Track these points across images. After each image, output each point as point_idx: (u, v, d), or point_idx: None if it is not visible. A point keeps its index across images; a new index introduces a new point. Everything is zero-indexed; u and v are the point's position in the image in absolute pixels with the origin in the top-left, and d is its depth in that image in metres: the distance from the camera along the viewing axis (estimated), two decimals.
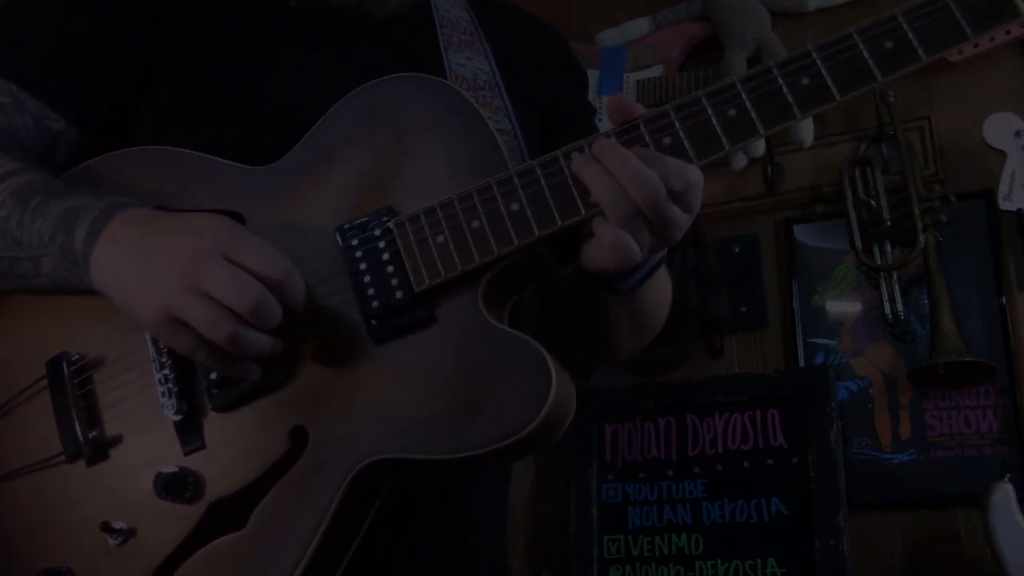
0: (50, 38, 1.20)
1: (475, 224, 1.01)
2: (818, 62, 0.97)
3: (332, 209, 1.07)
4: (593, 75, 2.76)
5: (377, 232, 1.04)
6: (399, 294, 1.02)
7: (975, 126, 2.41)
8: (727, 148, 0.99)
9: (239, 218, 1.08)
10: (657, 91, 2.68)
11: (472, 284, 1.02)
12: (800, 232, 2.57)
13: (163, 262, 0.97)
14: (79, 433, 1.09)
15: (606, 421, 2.57)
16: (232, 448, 1.05)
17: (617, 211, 0.96)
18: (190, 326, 0.96)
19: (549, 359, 0.97)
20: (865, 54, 0.96)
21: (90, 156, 1.18)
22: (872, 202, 2.41)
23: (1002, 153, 2.37)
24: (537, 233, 1.00)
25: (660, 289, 1.18)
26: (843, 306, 2.50)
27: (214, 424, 1.06)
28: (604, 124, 1.52)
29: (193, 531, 1.04)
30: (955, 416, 2.33)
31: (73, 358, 1.11)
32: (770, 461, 2.40)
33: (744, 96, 0.97)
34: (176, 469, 1.04)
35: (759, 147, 2.52)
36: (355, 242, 1.04)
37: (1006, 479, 2.08)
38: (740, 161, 2.59)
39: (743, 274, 2.57)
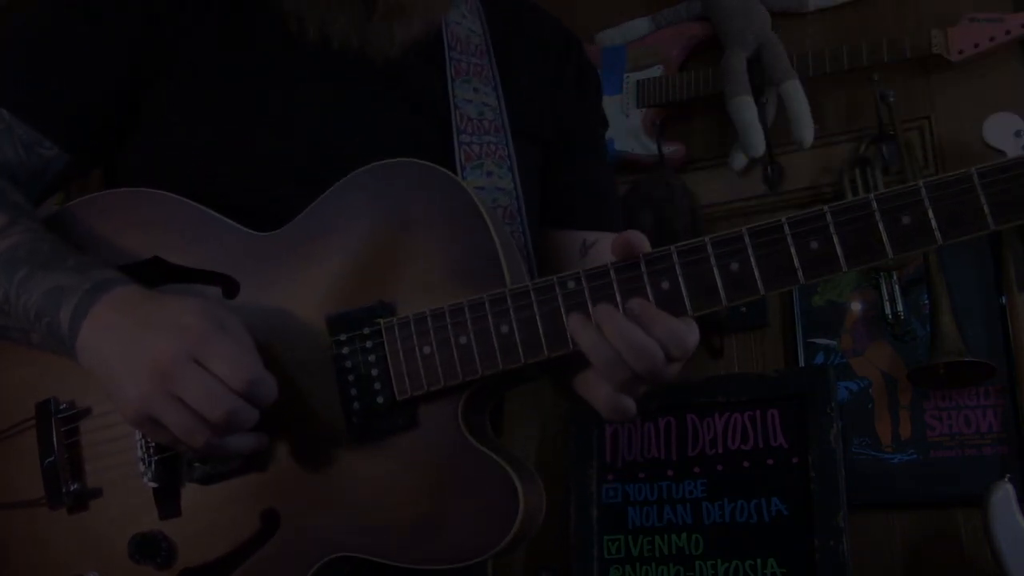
0: (42, 63, 1.18)
1: (463, 340, 1.01)
2: (831, 227, 0.92)
3: (324, 294, 1.07)
4: None
5: (366, 331, 1.04)
6: (380, 399, 1.03)
7: (975, 126, 2.40)
8: (724, 304, 0.96)
9: (234, 284, 1.09)
10: (657, 91, 2.69)
11: (454, 396, 1.03)
12: None
13: (141, 362, 0.98)
14: (62, 483, 1.10)
15: (606, 421, 2.57)
16: (207, 521, 1.07)
17: (614, 376, 0.98)
18: (166, 427, 0.98)
19: (517, 482, 0.99)
20: (880, 227, 0.90)
21: (80, 176, 1.19)
22: None
23: (1002, 153, 2.37)
24: (523, 360, 1.00)
25: None
26: (843, 306, 2.50)
27: (192, 494, 1.08)
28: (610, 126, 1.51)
29: None
30: (955, 416, 2.33)
31: (62, 406, 1.12)
32: (770, 461, 2.40)
33: (750, 252, 0.94)
34: (148, 532, 1.07)
35: (759, 147, 2.52)
36: (343, 338, 1.05)
37: (1006, 479, 2.07)
38: (740, 161, 2.59)
39: None
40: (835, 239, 0.91)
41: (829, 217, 0.92)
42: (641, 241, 0.98)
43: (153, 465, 1.07)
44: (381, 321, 1.04)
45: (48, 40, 1.18)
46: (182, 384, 0.96)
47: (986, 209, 0.87)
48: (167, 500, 1.08)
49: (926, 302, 2.35)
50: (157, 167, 1.16)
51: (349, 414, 1.04)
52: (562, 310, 0.99)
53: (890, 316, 2.40)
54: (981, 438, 2.29)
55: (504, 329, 1.00)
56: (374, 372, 1.04)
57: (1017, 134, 2.36)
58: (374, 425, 1.04)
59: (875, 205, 0.90)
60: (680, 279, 0.96)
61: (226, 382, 0.96)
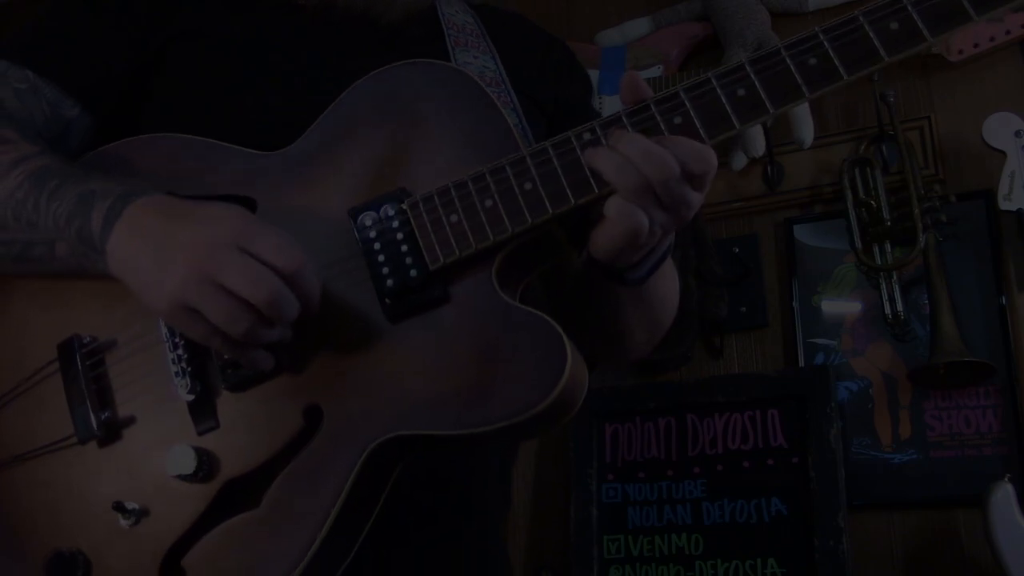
0: (66, 26, 1.22)
1: (488, 203, 1.02)
2: (825, 43, 0.97)
3: (344, 192, 1.07)
4: (593, 75, 2.75)
5: (391, 213, 1.04)
6: (413, 273, 1.03)
7: (975, 126, 2.41)
8: (737, 127, 0.99)
9: (251, 203, 1.09)
10: (657, 91, 2.68)
11: (486, 263, 1.02)
12: (800, 232, 2.57)
13: (179, 252, 0.97)
14: (91, 415, 1.09)
15: (606, 421, 2.58)
16: (246, 427, 1.05)
17: (629, 187, 0.97)
18: (204, 316, 0.97)
19: (564, 336, 0.98)
20: (871, 35, 0.96)
21: (102, 143, 1.19)
22: (872, 202, 2.41)
23: (1002, 153, 2.37)
24: (551, 211, 1.01)
25: (668, 282, 1.19)
26: (843, 306, 2.50)
27: (228, 403, 1.06)
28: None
29: (207, 510, 1.04)
30: (955, 416, 2.33)
31: (85, 340, 1.11)
32: (770, 461, 2.40)
33: (753, 76, 0.98)
34: (189, 448, 1.04)
35: (759, 147, 2.52)
36: (368, 222, 1.05)
37: (1006, 479, 2.08)
38: (740, 161, 2.59)
39: (743, 274, 2.57)
40: (831, 53, 0.97)
41: (822, 36, 0.98)
42: (647, 87, 1.02)
43: (188, 376, 1.05)
44: (404, 202, 1.04)
45: (72, 8, 1.23)
46: (226, 268, 0.95)
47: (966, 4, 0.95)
48: (203, 413, 1.06)
49: (926, 302, 2.35)
50: (171, 122, 1.18)
51: (383, 294, 1.03)
52: (582, 159, 1.00)
53: (890, 316, 2.40)
54: (981, 438, 2.29)
55: (528, 186, 1.01)
56: (404, 248, 1.03)
57: (1017, 134, 2.36)
58: (409, 300, 1.03)
59: (862, 18, 0.97)
60: (691, 112, 1.00)
61: (274, 265, 0.96)
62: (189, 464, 1.03)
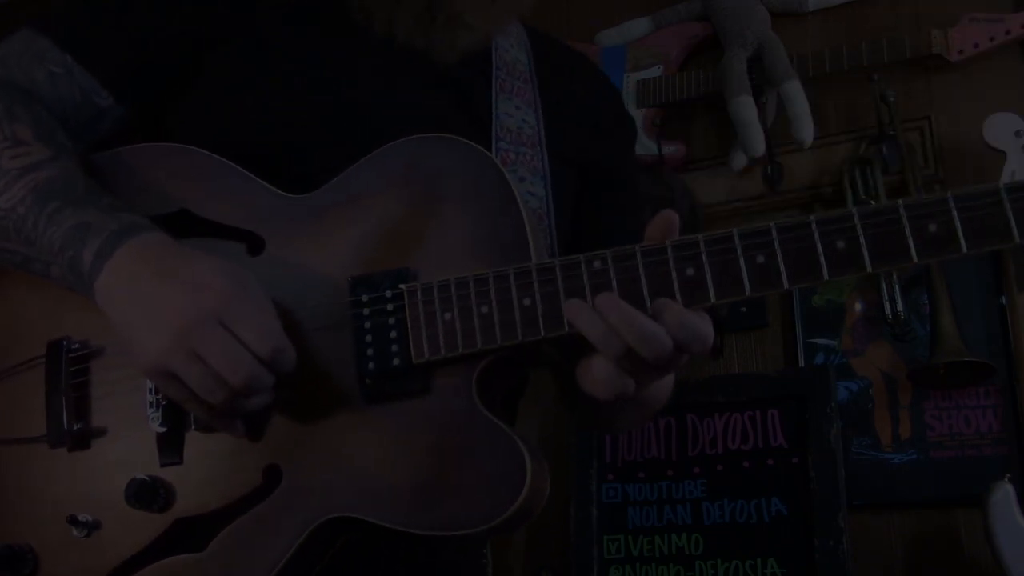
0: (111, 17, 1.21)
1: (484, 310, 1.01)
2: (858, 228, 0.93)
3: (350, 256, 1.07)
4: None
5: (388, 294, 1.04)
6: (396, 361, 1.03)
7: (975, 126, 2.41)
8: (747, 294, 0.96)
9: (259, 242, 1.09)
10: (657, 91, 2.69)
11: (470, 365, 1.02)
12: None
13: (162, 316, 0.98)
14: (65, 422, 1.10)
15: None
16: (207, 470, 1.06)
17: (614, 355, 0.97)
18: (183, 382, 0.98)
19: (527, 457, 0.98)
20: (907, 232, 0.92)
21: (131, 132, 1.20)
22: (872, 202, 2.41)
23: (1002, 153, 2.37)
24: (543, 334, 1.00)
25: (662, 387, 1.19)
26: (843, 306, 2.50)
27: (195, 442, 1.07)
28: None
29: (154, 542, 1.06)
30: (955, 416, 2.33)
31: (74, 346, 1.12)
32: (770, 461, 2.40)
33: (777, 245, 0.95)
34: (148, 478, 1.06)
35: (759, 147, 2.52)
36: (364, 298, 1.05)
37: (1006, 479, 2.08)
38: (740, 161, 2.59)
39: None
40: (862, 239, 0.93)
41: (857, 219, 0.93)
42: (675, 224, 0.99)
43: (161, 409, 1.06)
44: (404, 286, 1.04)
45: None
46: (206, 344, 0.96)
47: (1013, 223, 0.90)
48: (170, 446, 1.07)
49: (926, 302, 2.35)
50: (200, 130, 1.18)
51: (363, 374, 1.03)
52: (586, 288, 0.99)
53: (890, 316, 2.40)
54: (981, 438, 2.29)
55: (527, 302, 1.00)
56: (392, 334, 1.03)
57: (1017, 134, 2.36)
58: (387, 387, 1.03)
59: (903, 211, 0.92)
60: (706, 267, 0.97)
61: (250, 347, 0.97)
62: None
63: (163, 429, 1.07)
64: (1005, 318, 2.31)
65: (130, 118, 1.22)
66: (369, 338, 1.04)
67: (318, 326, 1.05)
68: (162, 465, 1.07)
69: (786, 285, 0.95)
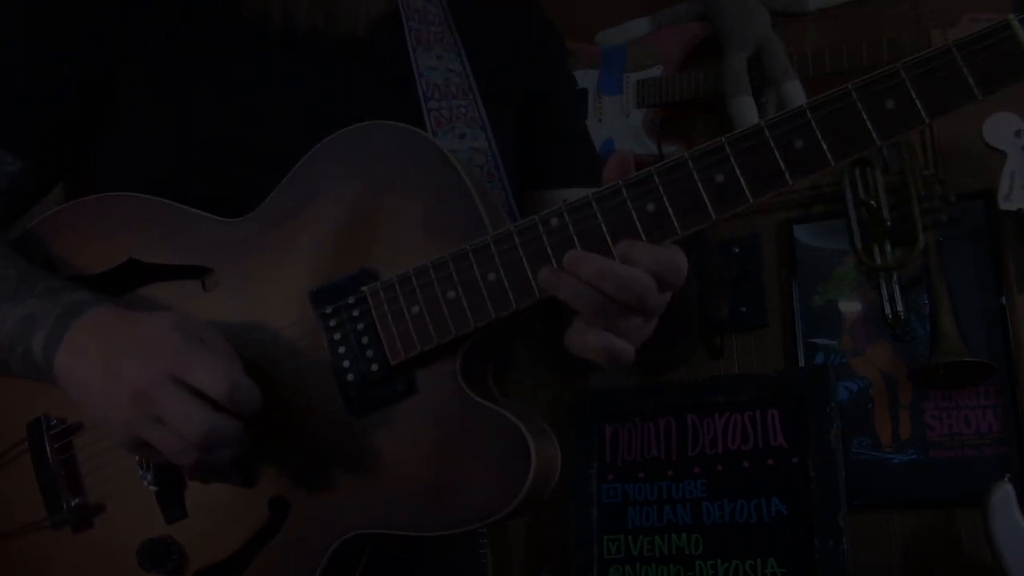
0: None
1: (451, 295, 0.98)
2: (812, 122, 0.89)
3: (305, 269, 1.04)
4: (593, 75, 2.76)
5: (351, 300, 1.01)
6: (375, 367, 1.00)
7: (975, 126, 2.41)
8: (714, 218, 0.92)
9: (211, 275, 1.07)
10: (657, 91, 2.68)
11: (450, 353, 0.99)
12: (800, 232, 2.57)
13: (120, 389, 0.96)
14: (62, 501, 1.08)
15: (606, 421, 2.57)
16: (214, 519, 1.05)
17: (604, 317, 0.93)
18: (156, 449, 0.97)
19: (528, 437, 0.95)
20: (863, 114, 0.88)
21: (45, 191, 1.17)
22: (872, 202, 2.41)
23: (1002, 153, 2.37)
24: (515, 306, 0.96)
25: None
26: (843, 306, 2.50)
27: (196, 494, 1.05)
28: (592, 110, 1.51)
29: None
30: (955, 416, 2.33)
31: (52, 423, 1.10)
32: (770, 461, 2.40)
33: (733, 160, 0.91)
34: (156, 538, 1.04)
35: None
36: (328, 310, 1.02)
37: (1006, 479, 2.08)
38: None
39: (743, 274, 2.57)
40: (818, 134, 0.89)
41: (809, 114, 0.89)
42: (631, 161, 0.96)
43: (152, 469, 1.05)
44: (365, 288, 1.01)
45: (4, 52, 1.16)
46: (162, 405, 0.93)
47: (970, 80, 0.86)
48: (171, 503, 1.06)
49: (926, 302, 2.35)
50: (119, 170, 1.14)
51: (345, 388, 1.01)
52: (548, 249, 0.95)
53: (890, 316, 2.40)
54: (981, 438, 2.29)
55: (491, 277, 0.96)
56: (364, 340, 1.00)
57: (1017, 134, 2.36)
58: (372, 395, 1.01)
59: (855, 94, 0.88)
60: (664, 199, 0.93)
61: (207, 393, 0.94)
62: None
63: (156, 488, 1.05)
64: (1005, 318, 2.31)
65: (46, 178, 1.18)
66: (343, 349, 1.01)
67: (288, 349, 1.03)
68: (168, 522, 1.05)
69: (751, 199, 0.91)
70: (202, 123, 1.12)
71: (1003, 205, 2.33)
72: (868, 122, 0.88)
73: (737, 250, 2.60)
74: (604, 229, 0.94)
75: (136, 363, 0.96)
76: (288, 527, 1.02)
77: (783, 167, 0.89)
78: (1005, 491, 2.05)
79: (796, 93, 2.46)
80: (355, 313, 1.01)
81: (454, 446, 0.99)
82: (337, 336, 1.01)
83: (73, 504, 1.08)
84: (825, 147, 0.88)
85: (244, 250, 1.06)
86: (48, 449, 1.09)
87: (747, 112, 2.50)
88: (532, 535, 2.63)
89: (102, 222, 1.12)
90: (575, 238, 0.94)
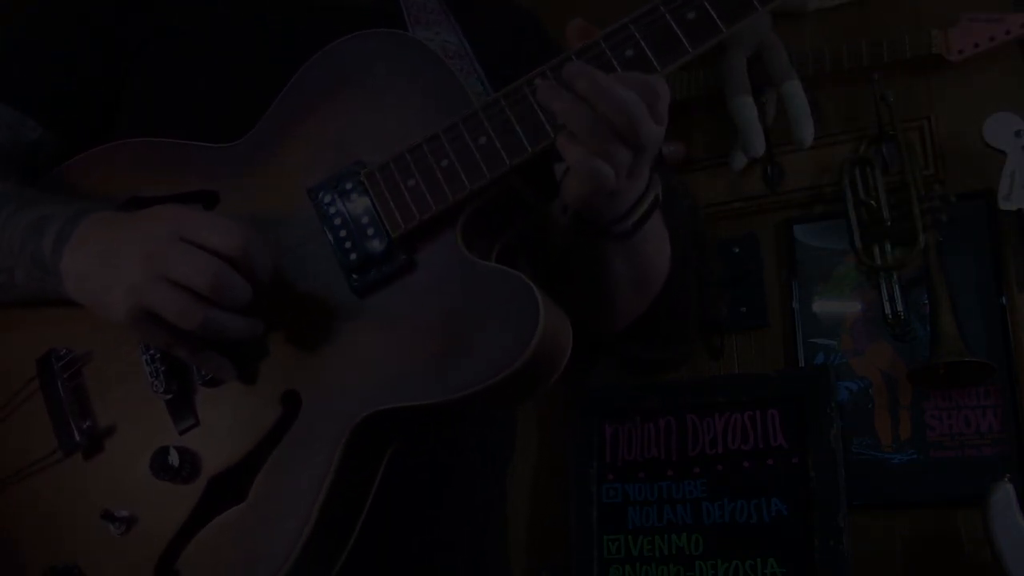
0: (23, 43, 1.20)
1: (444, 163, 1.00)
2: None
3: (303, 172, 1.06)
4: None
5: (349, 185, 1.03)
6: (376, 243, 1.01)
7: (975, 126, 2.41)
8: (691, 52, 0.97)
9: (213, 196, 1.09)
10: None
11: (450, 224, 1.01)
12: (800, 232, 2.57)
13: (126, 257, 0.98)
14: (72, 426, 1.09)
15: (606, 421, 2.57)
16: (226, 421, 1.04)
17: (594, 137, 0.94)
18: (163, 318, 0.97)
19: (534, 288, 0.95)
20: None
21: (62, 159, 1.19)
22: (872, 202, 2.42)
23: (1002, 153, 2.37)
24: (508, 163, 0.98)
25: (658, 240, 1.15)
26: (843, 306, 2.50)
27: (205, 399, 1.05)
28: None
29: (194, 510, 1.03)
30: (955, 416, 2.33)
31: (61, 353, 1.11)
32: (770, 461, 2.40)
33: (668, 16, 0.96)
34: (167, 446, 1.03)
35: (759, 147, 2.52)
36: (327, 199, 1.04)
37: (1006, 479, 2.08)
38: (740, 161, 2.60)
39: (743, 274, 2.57)
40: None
41: None
42: (595, 29, 0.99)
43: (162, 376, 1.05)
44: (361, 171, 1.03)
45: (29, 26, 1.21)
46: (170, 260, 0.96)
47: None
48: (182, 411, 1.05)
49: (926, 302, 2.36)
50: (139, 126, 1.17)
51: (348, 269, 1.02)
52: (535, 106, 0.97)
53: (890, 316, 2.40)
54: (981, 438, 2.29)
55: (482, 140, 0.99)
56: (364, 220, 1.02)
57: (1017, 134, 2.36)
58: (375, 273, 1.02)
59: None
60: (642, 42, 0.97)
61: (217, 249, 0.96)
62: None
63: (169, 396, 1.05)
64: (1005, 318, 2.31)
65: (68, 143, 1.20)
66: (344, 233, 1.03)
67: (291, 244, 1.05)
68: (180, 432, 1.05)
69: (723, 29, 0.96)
70: (213, 91, 1.17)
71: (1003, 205, 2.33)
72: None
73: (737, 250, 2.60)
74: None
75: (143, 231, 0.98)
76: (301, 419, 1.01)
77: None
78: (1005, 491, 2.06)
79: (796, 93, 2.47)
80: (353, 196, 1.03)
81: (460, 310, 0.99)
82: (337, 221, 1.03)
83: (84, 427, 1.08)
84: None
85: (244, 168, 1.10)
86: (58, 378, 1.10)
87: (747, 112, 2.50)
88: (532, 535, 2.63)
89: (103, 168, 1.15)
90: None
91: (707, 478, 2.44)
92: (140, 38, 1.19)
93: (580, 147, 0.94)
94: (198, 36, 1.20)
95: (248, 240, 0.98)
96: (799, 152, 2.53)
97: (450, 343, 0.98)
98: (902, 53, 2.43)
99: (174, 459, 1.03)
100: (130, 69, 1.20)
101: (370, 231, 1.02)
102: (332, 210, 1.03)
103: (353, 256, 1.02)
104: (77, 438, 1.08)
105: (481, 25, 1.31)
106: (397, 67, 1.06)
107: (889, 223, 2.38)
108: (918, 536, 2.29)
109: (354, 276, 1.02)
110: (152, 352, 1.06)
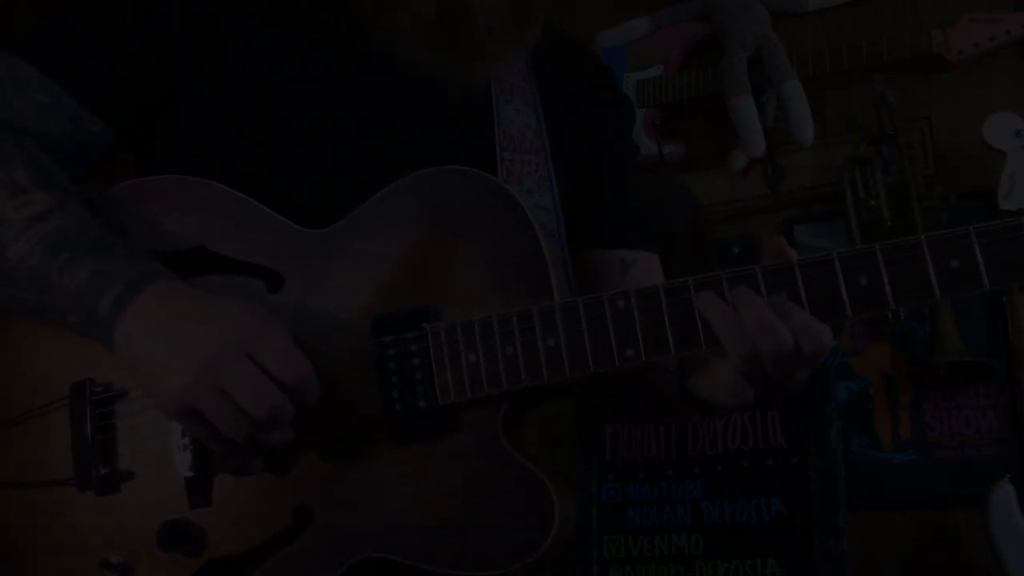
0: (89, 35, 1.15)
1: (509, 351, 1.01)
2: (976, 247, 0.92)
3: (371, 294, 1.07)
4: None
5: (411, 335, 1.04)
6: (422, 403, 1.03)
7: (975, 126, 2.40)
8: (850, 316, 0.96)
9: (278, 278, 1.09)
10: (657, 91, 2.69)
11: (496, 404, 1.03)
12: (800, 232, 2.56)
13: (185, 353, 0.97)
14: (92, 466, 1.09)
15: (606, 421, 2.57)
16: (237, 512, 1.06)
17: (743, 355, 0.96)
18: (206, 417, 0.98)
19: (555, 497, 1.00)
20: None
21: (109, 156, 1.18)
22: (872, 202, 2.41)
23: (1002, 153, 2.37)
24: (568, 374, 1.00)
25: None
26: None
27: (224, 485, 1.07)
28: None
29: None
30: (955, 416, 2.32)
31: (98, 388, 1.11)
32: (770, 461, 2.40)
33: (882, 267, 0.94)
34: (179, 521, 1.06)
35: (759, 147, 2.52)
36: (388, 339, 1.05)
37: (1006, 479, 2.08)
38: (740, 161, 2.59)
39: None
40: (979, 257, 0.92)
41: (974, 236, 0.92)
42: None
43: (190, 453, 1.06)
44: (427, 326, 1.04)
45: (100, 16, 1.16)
46: (230, 377, 0.96)
47: None
48: (199, 489, 1.07)
49: None
50: (197, 155, 1.15)
51: (391, 415, 1.04)
52: (610, 328, 0.99)
53: (890, 316, 2.39)
54: (981, 438, 2.29)
55: (551, 342, 1.00)
56: (418, 376, 1.03)
57: (1017, 134, 2.36)
58: (414, 427, 1.04)
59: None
60: (802, 291, 0.97)
61: (277, 377, 0.96)
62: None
63: (191, 474, 1.07)
64: (1005, 318, 2.31)
65: (123, 140, 1.19)
66: (395, 379, 1.04)
67: (342, 366, 1.05)
68: (191, 508, 1.07)
69: (892, 305, 0.94)
70: (287, 134, 1.14)
71: (1003, 205, 2.33)
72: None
73: (737, 250, 2.60)
74: (666, 320, 0.98)
75: (209, 332, 0.97)
76: (307, 537, 1.04)
77: (933, 281, 0.93)
78: (1005, 491, 2.05)
79: (796, 93, 2.47)
80: (413, 348, 1.04)
81: (483, 491, 1.02)
82: (392, 365, 1.04)
83: (103, 472, 1.09)
84: (982, 270, 0.92)
85: (315, 262, 1.09)
86: (88, 414, 1.10)
87: (747, 112, 2.50)
88: None
89: (180, 201, 1.13)
90: (637, 324, 0.99)
91: (707, 478, 2.44)
92: (200, 56, 1.15)
93: (735, 378, 1.00)
94: (263, 75, 1.15)
95: (307, 377, 0.99)
96: (799, 152, 2.53)
97: (466, 518, 1.02)
98: (902, 53, 2.43)
99: (183, 541, 1.05)
100: (184, 85, 1.16)
101: (420, 389, 1.03)
102: (389, 351, 1.04)
103: (398, 407, 1.04)
104: (94, 479, 1.09)
105: (558, 93, 1.30)
106: (491, 221, 1.06)
107: (889, 223, 2.38)
108: (918, 536, 2.29)
109: (394, 422, 1.04)
110: None
